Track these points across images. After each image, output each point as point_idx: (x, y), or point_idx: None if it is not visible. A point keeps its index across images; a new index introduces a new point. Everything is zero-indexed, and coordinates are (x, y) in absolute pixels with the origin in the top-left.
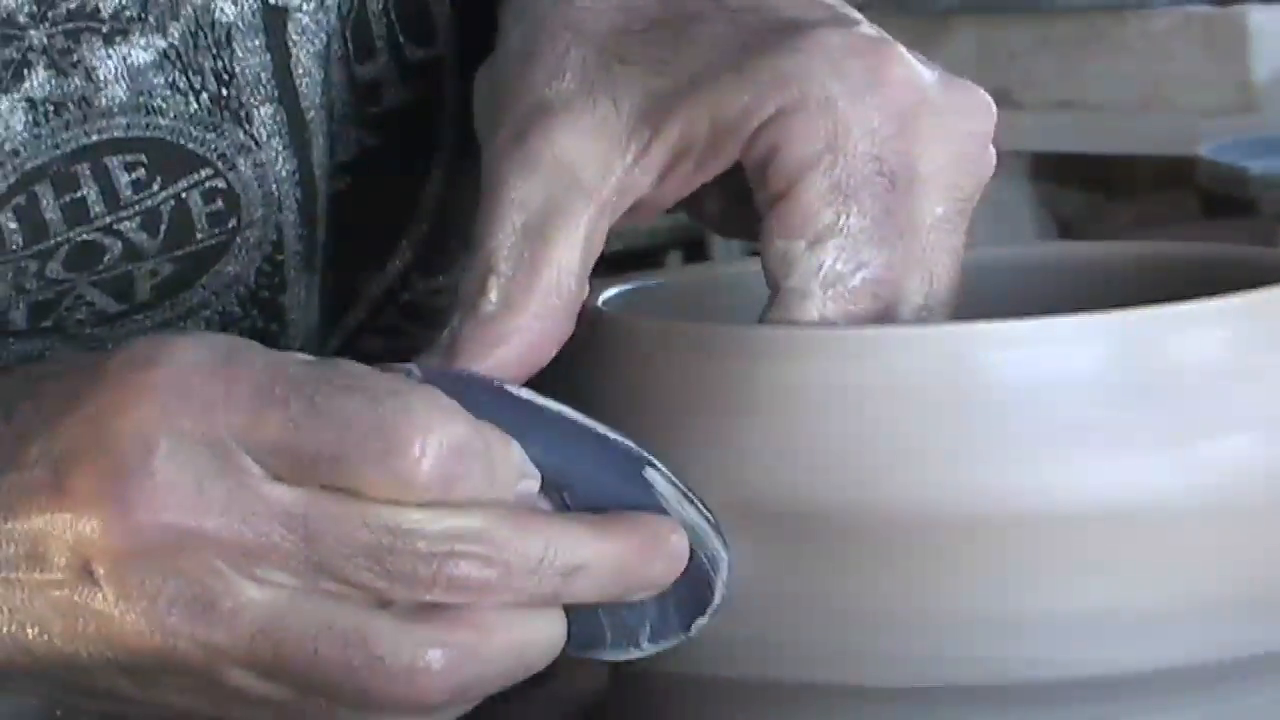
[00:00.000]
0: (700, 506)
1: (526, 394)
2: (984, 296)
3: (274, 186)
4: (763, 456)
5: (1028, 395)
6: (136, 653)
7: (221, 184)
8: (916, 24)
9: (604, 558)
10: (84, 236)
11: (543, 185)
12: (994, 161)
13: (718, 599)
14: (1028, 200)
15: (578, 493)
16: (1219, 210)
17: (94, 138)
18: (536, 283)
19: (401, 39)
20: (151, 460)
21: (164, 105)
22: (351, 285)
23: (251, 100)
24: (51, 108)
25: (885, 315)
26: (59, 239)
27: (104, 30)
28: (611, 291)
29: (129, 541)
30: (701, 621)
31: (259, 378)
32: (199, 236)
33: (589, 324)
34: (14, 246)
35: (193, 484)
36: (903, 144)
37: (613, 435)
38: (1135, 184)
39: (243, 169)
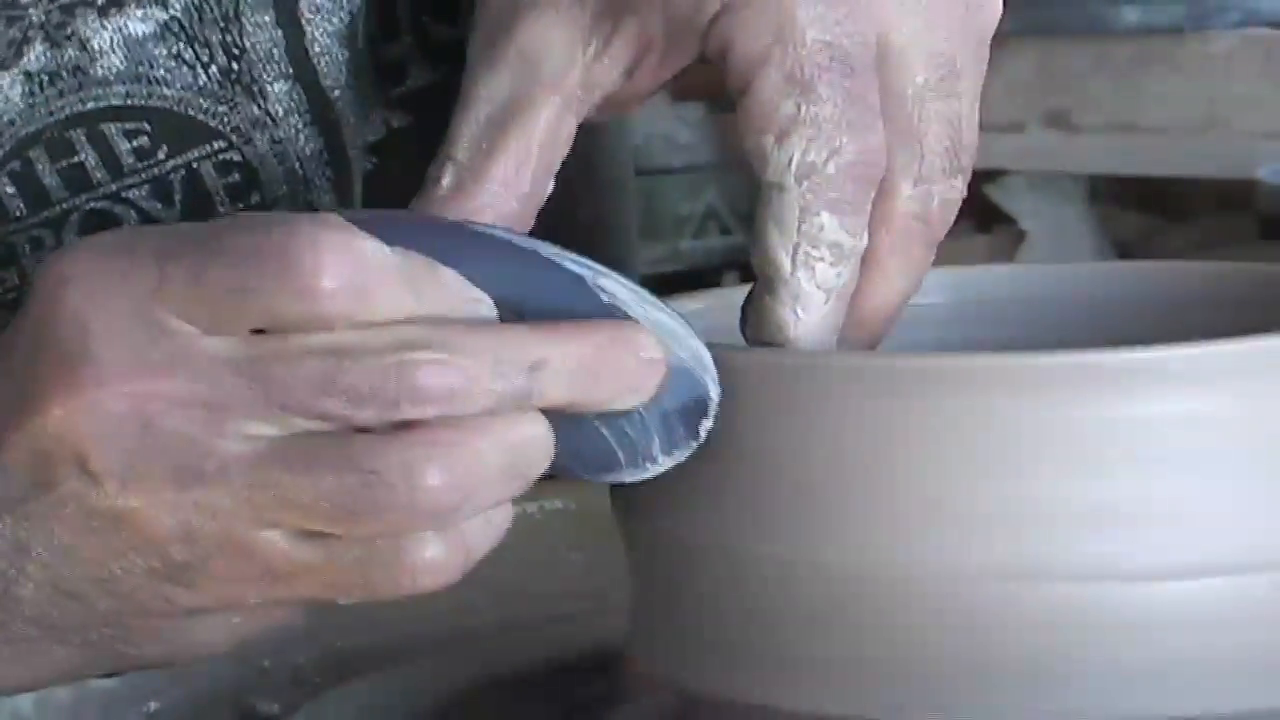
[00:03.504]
0: (665, 309)
1: (471, 224)
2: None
3: (297, 164)
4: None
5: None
6: (160, 542)
7: (237, 157)
8: None
9: (566, 356)
10: (91, 204)
11: (508, 79)
12: (993, 14)
13: (715, 395)
14: (1086, 223)
15: (530, 311)
16: (1277, 233)
17: (89, 105)
18: (489, 169)
19: (425, 19)
20: (88, 341)
21: (168, 76)
22: None
23: (264, 76)
24: (46, 78)
25: (879, 196)
26: (64, 206)
27: (98, 4)
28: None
29: (95, 423)
30: (707, 424)
31: (160, 243)
32: (221, 211)
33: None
34: (17, 213)
35: (130, 353)
36: (856, 25)
37: (560, 252)
38: (1194, 207)
39: (259, 144)
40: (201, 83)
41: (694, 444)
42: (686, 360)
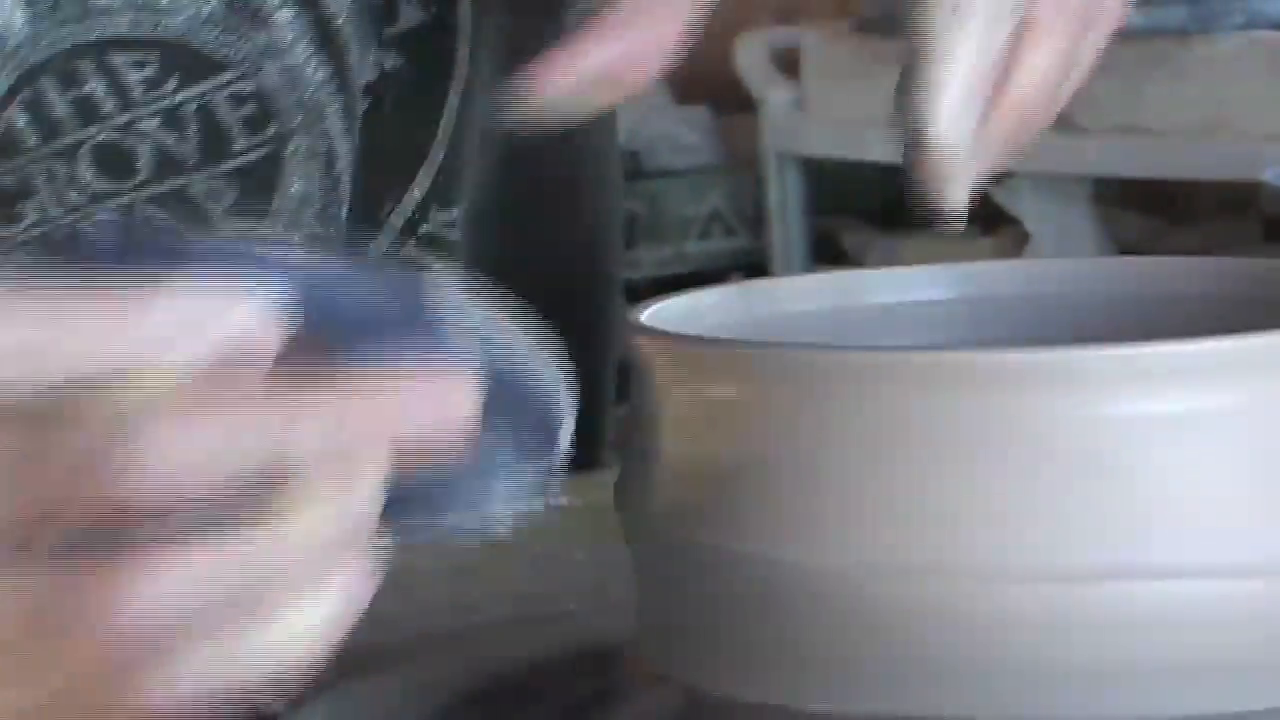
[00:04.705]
0: (508, 328)
1: (267, 245)
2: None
3: (309, 93)
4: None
5: None
6: None
7: (249, 88)
8: None
9: (349, 417)
10: (103, 136)
11: None
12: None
13: (564, 418)
14: (1090, 225)
15: (345, 332)
16: None
17: (94, 35)
18: None
19: None
20: None
21: (171, 6)
22: (375, 215)
23: (270, 3)
24: (49, 5)
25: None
26: (76, 137)
27: None
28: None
29: None
30: (565, 432)
31: None
32: (239, 146)
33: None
34: (32, 144)
35: None
36: None
37: (360, 266)
38: (1198, 209)
39: (270, 73)
40: (207, 12)
41: (546, 473)
42: (528, 381)
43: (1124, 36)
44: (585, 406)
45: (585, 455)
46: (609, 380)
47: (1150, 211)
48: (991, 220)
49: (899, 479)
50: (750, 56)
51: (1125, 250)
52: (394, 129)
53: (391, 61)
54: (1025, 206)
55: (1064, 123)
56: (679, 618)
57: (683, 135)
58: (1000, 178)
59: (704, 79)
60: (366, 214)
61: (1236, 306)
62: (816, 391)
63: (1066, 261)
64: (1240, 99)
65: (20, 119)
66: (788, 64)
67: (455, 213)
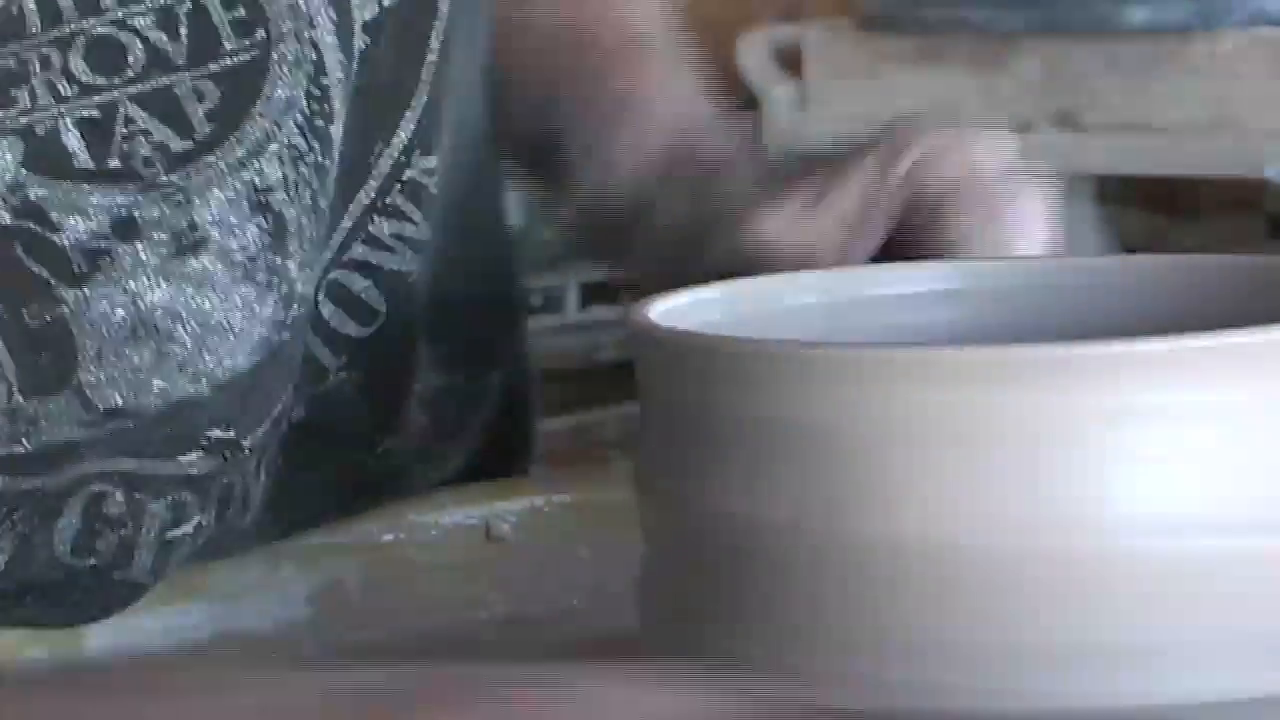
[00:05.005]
0: None
1: None
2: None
3: (301, 1)
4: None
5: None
6: None
7: None
8: (982, 45)
9: None
10: (98, 30)
11: None
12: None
13: None
14: (1094, 223)
15: None
16: None
17: None
18: None
19: None
20: None
21: None
22: (365, 158)
23: None
24: None
25: None
26: (77, 26)
27: None
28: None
29: None
30: None
31: None
32: (228, 47)
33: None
34: (33, 29)
35: None
36: None
37: None
38: (1202, 206)
39: None
40: None
41: None
42: None
43: (1128, 33)
44: (510, 413)
45: (513, 463)
46: (528, 392)
47: (1154, 209)
48: None
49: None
50: (752, 54)
51: (1130, 247)
52: (385, 68)
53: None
54: None
55: (1067, 120)
56: (692, 603)
57: None
58: None
59: (705, 76)
60: (359, 153)
61: (1237, 305)
62: (809, 387)
63: (1062, 259)
64: (1244, 96)
65: (30, 2)
66: (790, 61)
67: (434, 160)
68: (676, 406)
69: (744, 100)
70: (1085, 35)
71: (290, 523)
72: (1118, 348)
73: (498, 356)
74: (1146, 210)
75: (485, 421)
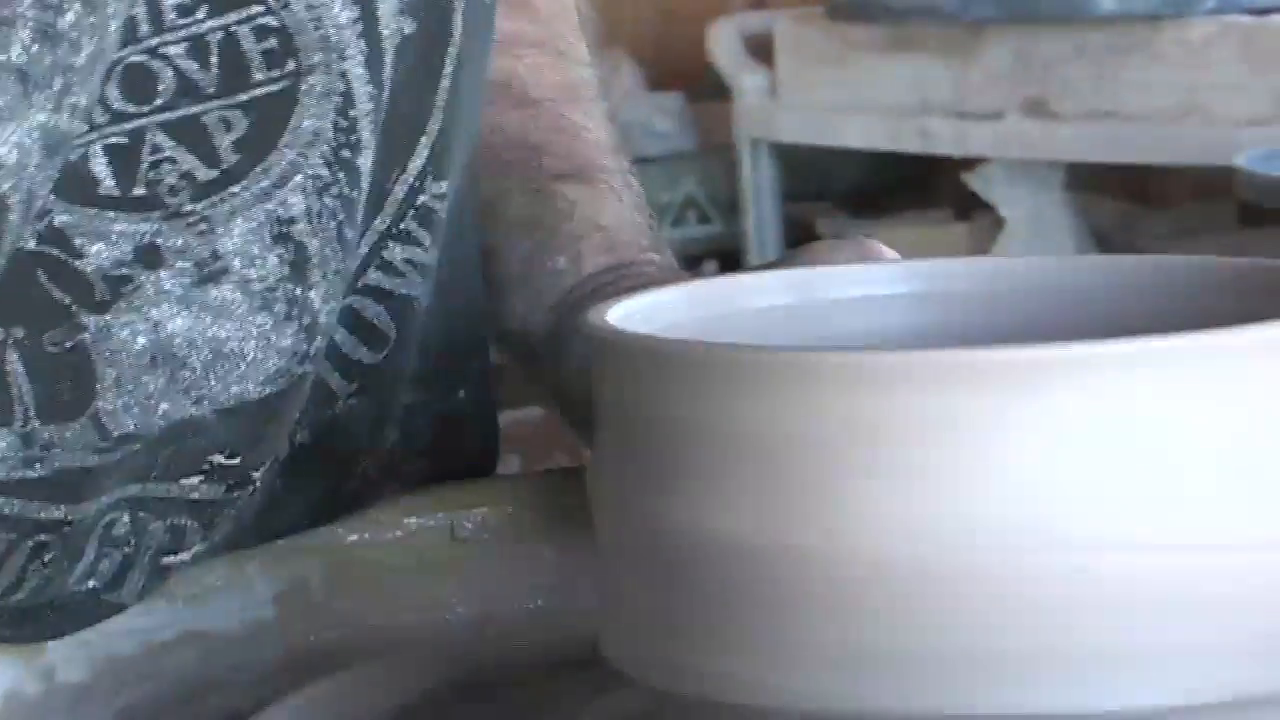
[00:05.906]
0: None
1: None
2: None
3: (332, 31)
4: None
5: None
6: None
7: (274, 22)
8: (951, 34)
9: None
10: (133, 58)
11: None
12: None
13: None
14: (1064, 211)
15: None
16: (1257, 220)
17: None
18: None
19: None
20: None
21: None
22: (382, 184)
23: None
24: None
25: None
26: (115, 55)
27: None
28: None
29: None
30: None
31: None
32: (257, 77)
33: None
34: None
35: None
36: None
37: None
38: (1172, 194)
39: (296, 8)
40: None
41: None
42: None
43: (1098, 21)
44: (475, 429)
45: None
46: (492, 409)
47: (1125, 197)
48: (965, 206)
49: (857, 473)
50: (723, 42)
51: (1100, 235)
52: (405, 95)
53: (409, 26)
54: (999, 193)
55: (1037, 108)
56: (649, 613)
57: (656, 122)
58: (974, 163)
59: (677, 65)
60: (378, 180)
61: (1206, 301)
62: (765, 392)
63: (1027, 259)
64: (1213, 84)
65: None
66: (760, 50)
67: (445, 185)
68: (613, 407)
69: (715, 88)
70: (1055, 23)
71: (271, 539)
72: (1055, 351)
73: (466, 373)
74: (1117, 197)
75: (451, 437)
